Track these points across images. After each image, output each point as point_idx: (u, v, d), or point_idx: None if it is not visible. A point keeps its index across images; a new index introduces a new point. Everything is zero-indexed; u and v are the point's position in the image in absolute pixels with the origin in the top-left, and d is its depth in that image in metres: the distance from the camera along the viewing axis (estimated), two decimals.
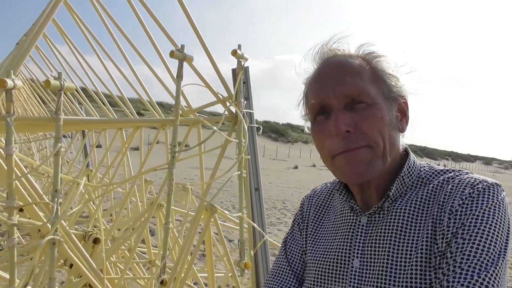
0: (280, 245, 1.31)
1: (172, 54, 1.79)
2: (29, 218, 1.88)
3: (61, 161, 1.57)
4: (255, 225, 1.96)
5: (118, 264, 3.31)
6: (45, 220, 1.60)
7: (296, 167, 32.00)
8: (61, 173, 1.60)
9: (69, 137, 5.78)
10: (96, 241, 2.59)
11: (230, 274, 2.88)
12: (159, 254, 3.32)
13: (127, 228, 2.96)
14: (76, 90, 2.87)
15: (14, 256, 1.48)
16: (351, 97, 0.94)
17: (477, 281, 0.77)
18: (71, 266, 2.70)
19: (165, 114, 3.00)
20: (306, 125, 1.11)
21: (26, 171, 1.49)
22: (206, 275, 2.69)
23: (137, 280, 3.44)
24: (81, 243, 2.53)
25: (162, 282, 1.82)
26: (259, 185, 2.06)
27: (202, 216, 2.02)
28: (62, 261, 2.31)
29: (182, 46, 1.85)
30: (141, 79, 2.68)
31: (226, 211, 2.00)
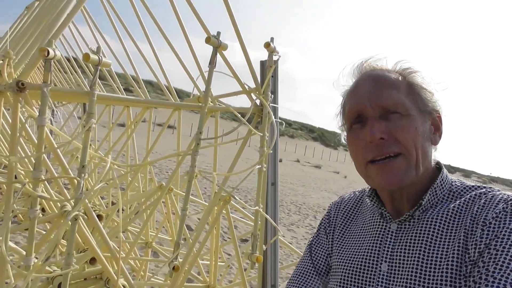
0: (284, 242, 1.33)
1: (208, 40, 1.76)
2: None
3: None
4: (271, 220, 1.97)
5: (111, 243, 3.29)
6: (68, 196, 1.57)
7: (280, 160, 32.13)
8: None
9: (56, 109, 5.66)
10: (99, 218, 2.55)
11: (227, 265, 2.89)
12: (155, 237, 3.31)
13: (135, 208, 2.93)
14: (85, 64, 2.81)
15: (34, 227, 1.46)
16: (387, 108, 0.99)
17: None
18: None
19: (156, 94, 2.97)
20: (342, 135, 1.15)
21: (55, 145, 1.45)
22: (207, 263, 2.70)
23: (130, 260, 3.42)
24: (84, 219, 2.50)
25: (173, 268, 1.81)
26: (276, 180, 2.07)
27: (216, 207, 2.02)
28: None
29: (218, 33, 1.83)
30: (162, 64, 2.64)
31: (241, 203, 2.00)
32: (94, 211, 2.58)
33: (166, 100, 2.15)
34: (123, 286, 1.99)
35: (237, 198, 1.86)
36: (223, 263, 2.91)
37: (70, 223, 1.48)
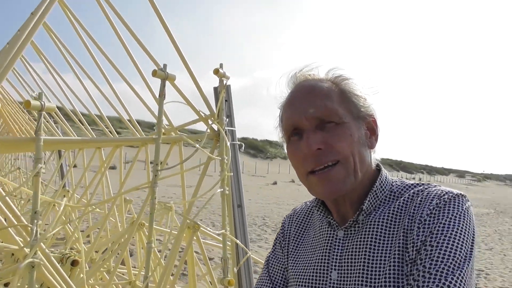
0: (262, 262, 1.34)
1: (155, 73, 1.80)
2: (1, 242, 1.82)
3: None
4: (238, 242, 1.96)
5: (96, 286, 3.23)
6: (21, 244, 1.56)
7: (275, 183, 32.03)
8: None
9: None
10: (74, 263, 2.52)
11: None
12: (139, 275, 3.26)
13: (107, 248, 2.90)
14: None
15: None
16: (321, 118, 1.01)
17: (444, 284, 0.82)
18: None
19: (143, 132, 2.99)
20: (284, 147, 1.17)
21: (3, 193, 1.45)
22: None
23: None
24: (60, 265, 2.46)
25: None
26: (242, 202, 2.07)
27: (184, 235, 2.01)
28: (37, 286, 2.24)
29: (165, 65, 1.86)
30: (120, 97, 2.67)
31: (207, 229, 1.99)
32: (69, 257, 2.55)
33: (112, 137, 2.15)
34: None
35: (201, 224, 1.85)
36: None
37: (28, 271, 1.47)
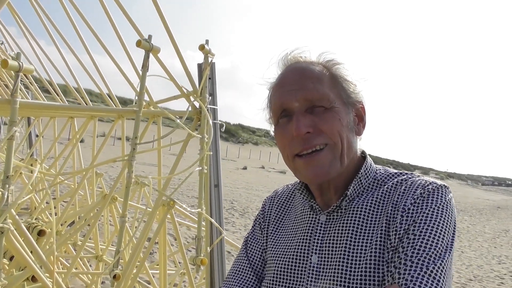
0: (232, 244, 1.33)
1: (139, 44, 1.75)
2: None
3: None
4: (214, 221, 1.96)
5: (60, 258, 3.16)
6: None
7: (245, 168, 32.13)
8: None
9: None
10: (41, 233, 2.46)
11: (181, 271, 2.85)
12: (106, 249, 3.21)
13: (74, 221, 2.84)
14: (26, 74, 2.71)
15: None
16: (312, 102, 1.00)
17: (425, 272, 0.83)
18: (11, 258, 2.55)
19: (100, 103, 2.92)
20: (271, 129, 1.15)
21: None
22: (157, 272, 2.65)
23: (81, 275, 3.31)
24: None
25: (114, 277, 1.77)
26: (219, 182, 2.06)
27: (158, 212, 1.99)
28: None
29: (149, 36, 1.81)
30: (99, 68, 2.59)
31: (183, 206, 1.98)
32: (35, 226, 2.48)
33: (91, 106, 2.09)
34: None
35: (177, 202, 1.83)
36: (174, 271, 2.86)
37: None
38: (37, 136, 4.32)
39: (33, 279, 2.22)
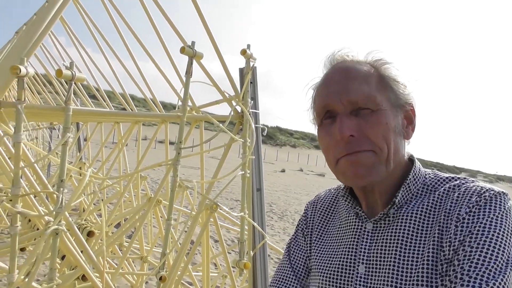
0: (272, 247, 1.31)
1: (183, 50, 1.79)
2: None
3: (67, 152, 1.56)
4: (256, 225, 1.97)
5: (107, 259, 3.28)
6: (41, 212, 1.58)
7: (283, 171, 32.08)
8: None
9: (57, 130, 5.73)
10: (90, 234, 2.56)
11: (223, 274, 2.88)
12: (150, 251, 3.30)
13: (120, 223, 2.94)
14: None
15: (16, 244, 1.46)
16: (357, 103, 0.95)
17: None
18: (62, 258, 2.67)
19: (146, 110, 2.99)
20: (315, 128, 1.12)
21: (32, 160, 1.47)
22: (200, 274, 2.69)
23: (126, 275, 3.42)
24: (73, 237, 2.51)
25: (160, 278, 1.81)
26: (261, 185, 2.07)
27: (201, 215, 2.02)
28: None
29: (193, 42, 1.85)
30: (143, 74, 2.67)
31: (226, 209, 2.00)
32: (85, 227, 2.59)
33: (138, 112, 2.15)
34: None
35: (220, 205, 1.85)
36: (217, 273, 2.89)
37: (52, 237, 1.49)
38: (85, 140, 4.52)
39: (83, 278, 2.32)
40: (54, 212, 1.48)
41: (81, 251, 1.94)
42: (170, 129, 2.76)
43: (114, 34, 2.76)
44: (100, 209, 4.17)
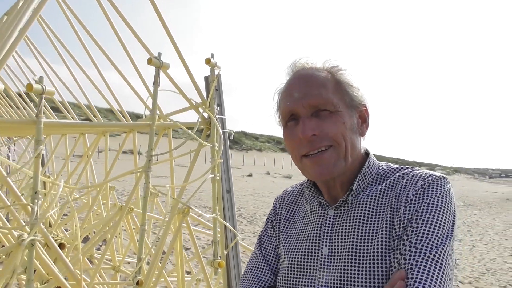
0: (246, 247, 1.40)
1: (150, 61, 1.86)
2: None
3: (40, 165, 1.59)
4: (228, 225, 2.05)
5: (77, 271, 3.25)
6: (22, 223, 1.60)
7: (250, 175, 32.17)
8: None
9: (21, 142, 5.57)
10: (61, 246, 2.56)
11: (196, 278, 2.93)
12: (122, 261, 3.30)
13: (92, 234, 2.93)
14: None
15: None
16: (317, 106, 1.09)
17: (429, 257, 0.92)
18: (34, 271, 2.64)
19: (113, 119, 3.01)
20: (281, 130, 1.25)
21: (5, 174, 1.49)
22: (174, 279, 2.74)
23: (104, 285, 3.39)
24: (44, 249, 2.49)
25: (137, 283, 1.86)
26: (231, 187, 2.16)
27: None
28: (22, 268, 2.27)
29: (159, 54, 1.92)
30: (109, 85, 2.70)
31: (199, 211, 2.07)
32: (55, 240, 2.58)
33: (110, 122, 2.19)
34: None
35: (193, 208, 1.93)
36: (190, 277, 2.94)
37: (27, 249, 1.51)
38: (48, 153, 4.43)
39: None
40: (30, 224, 1.50)
41: (55, 262, 1.96)
42: (138, 138, 2.80)
43: (74, 43, 2.77)
44: (66, 223, 4.11)
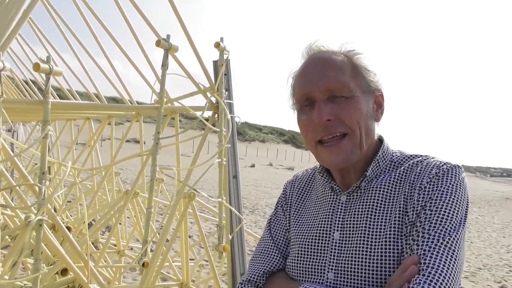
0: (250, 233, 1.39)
1: (158, 43, 1.84)
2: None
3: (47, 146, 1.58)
4: (234, 209, 2.05)
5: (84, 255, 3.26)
6: (28, 204, 1.60)
7: (253, 166, 32.23)
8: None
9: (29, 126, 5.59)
10: (67, 230, 2.56)
11: (200, 263, 2.95)
12: (126, 245, 3.32)
13: (97, 218, 2.95)
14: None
15: None
16: (333, 91, 1.08)
17: (441, 243, 0.92)
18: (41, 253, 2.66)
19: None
20: (295, 114, 1.24)
21: (12, 154, 1.48)
22: (179, 264, 2.75)
23: (103, 270, 3.42)
24: (52, 232, 2.50)
25: (143, 265, 1.86)
26: (237, 173, 2.15)
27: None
28: (29, 250, 2.28)
29: (168, 36, 1.90)
30: (117, 72, 2.68)
31: (205, 195, 2.07)
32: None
33: (118, 105, 2.18)
34: None
35: (199, 191, 1.92)
36: (193, 263, 2.96)
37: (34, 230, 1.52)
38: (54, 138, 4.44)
39: (63, 272, 2.33)
40: (37, 204, 1.50)
41: (61, 244, 1.96)
42: (140, 126, 2.78)
43: (80, 29, 2.75)
44: (71, 208, 4.12)
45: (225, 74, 2.10)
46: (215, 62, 2.13)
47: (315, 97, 1.09)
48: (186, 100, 2.34)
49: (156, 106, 1.87)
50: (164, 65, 1.86)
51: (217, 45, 2.02)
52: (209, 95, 2.09)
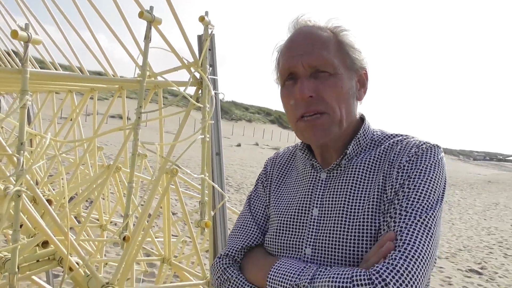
0: (234, 211, 1.41)
1: (141, 15, 1.80)
2: None
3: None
4: (216, 186, 2.06)
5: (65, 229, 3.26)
6: (6, 173, 1.58)
7: (239, 145, 32.28)
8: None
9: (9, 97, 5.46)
10: (48, 203, 2.54)
11: (182, 239, 2.97)
12: (109, 220, 3.32)
13: (77, 193, 2.93)
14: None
15: None
16: (316, 67, 1.08)
17: (418, 220, 0.95)
18: (21, 226, 2.64)
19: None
20: (278, 88, 1.24)
21: None
22: (161, 239, 2.77)
23: (84, 243, 3.42)
24: (33, 204, 2.48)
25: (124, 239, 1.87)
26: (220, 150, 2.15)
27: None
28: (8, 222, 2.26)
29: (151, 7, 1.86)
30: (100, 44, 2.62)
31: (188, 171, 2.07)
32: (43, 196, 2.56)
33: (99, 77, 2.14)
34: (76, 263, 2.02)
35: (182, 167, 1.92)
36: (176, 239, 2.98)
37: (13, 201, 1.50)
38: (35, 110, 4.35)
39: (44, 245, 2.32)
40: (16, 175, 1.48)
41: (42, 217, 1.95)
42: (123, 101, 2.75)
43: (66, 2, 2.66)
44: (53, 181, 4.08)
45: (209, 49, 2.07)
46: (199, 37, 2.09)
47: (298, 73, 1.09)
48: (171, 76, 2.31)
49: (138, 79, 1.84)
50: (147, 38, 1.83)
51: (201, 19, 1.98)
52: (193, 70, 2.07)
